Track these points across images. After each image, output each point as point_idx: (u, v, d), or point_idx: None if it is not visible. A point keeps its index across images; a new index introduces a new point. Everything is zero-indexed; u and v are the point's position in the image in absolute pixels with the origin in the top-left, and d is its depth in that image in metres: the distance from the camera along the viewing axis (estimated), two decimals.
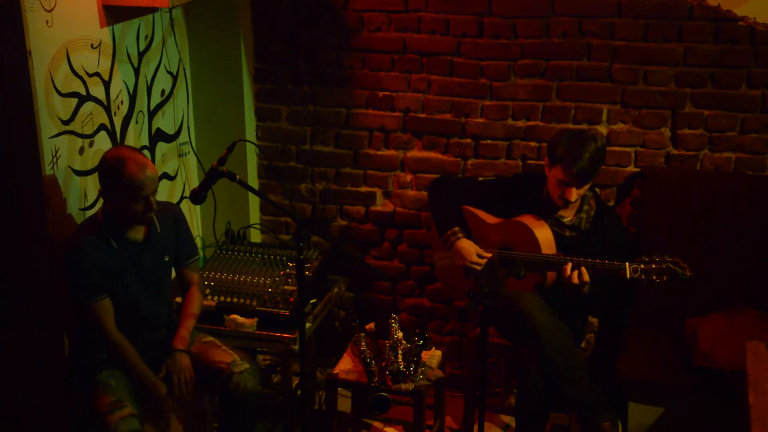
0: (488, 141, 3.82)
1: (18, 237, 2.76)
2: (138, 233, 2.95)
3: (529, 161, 3.80)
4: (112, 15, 3.15)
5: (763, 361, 2.80)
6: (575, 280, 3.10)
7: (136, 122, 3.44)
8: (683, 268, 2.99)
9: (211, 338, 3.16)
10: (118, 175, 2.78)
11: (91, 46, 3.07)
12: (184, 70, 3.83)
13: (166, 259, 3.07)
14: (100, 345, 2.94)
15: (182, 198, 3.89)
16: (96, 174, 3.14)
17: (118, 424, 2.73)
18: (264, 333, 3.37)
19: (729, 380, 3.13)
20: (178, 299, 3.41)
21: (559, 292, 3.22)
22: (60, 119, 2.92)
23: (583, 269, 3.10)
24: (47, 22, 2.80)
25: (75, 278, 2.84)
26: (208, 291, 3.50)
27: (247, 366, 3.04)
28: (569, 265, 3.12)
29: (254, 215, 4.16)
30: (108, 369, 2.90)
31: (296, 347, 3.29)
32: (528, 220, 3.31)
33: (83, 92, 3.04)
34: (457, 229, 3.41)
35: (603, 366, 3.61)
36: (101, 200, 3.17)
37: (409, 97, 3.86)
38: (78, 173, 3.05)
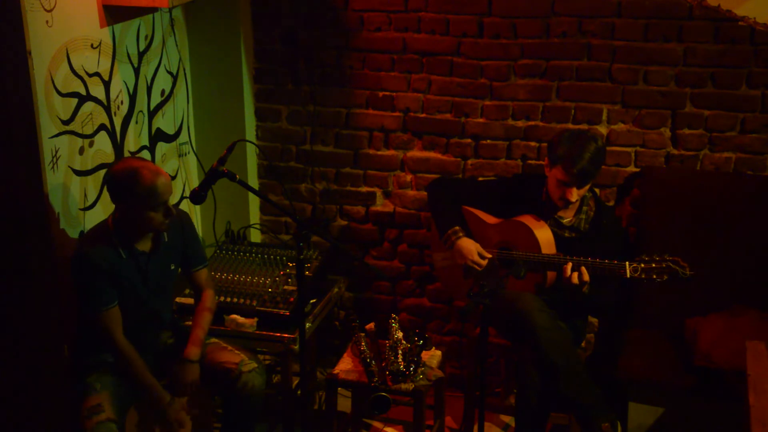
0: (488, 141, 3.82)
1: (18, 237, 2.77)
2: (146, 243, 2.95)
3: (529, 161, 3.80)
4: (112, 15, 3.15)
5: (763, 361, 2.80)
6: (575, 280, 3.10)
7: (136, 122, 3.44)
8: (683, 267, 2.99)
9: (215, 339, 3.16)
10: (133, 185, 2.76)
11: (91, 46, 3.07)
12: (184, 70, 3.83)
13: (172, 267, 3.07)
14: (96, 347, 2.94)
15: (182, 198, 3.89)
16: (96, 174, 3.15)
17: (94, 429, 2.72)
18: (264, 333, 3.37)
19: (729, 380, 3.13)
20: (179, 299, 3.42)
21: (560, 292, 3.22)
22: (60, 119, 2.92)
23: (584, 269, 3.10)
24: (47, 22, 2.80)
25: (84, 287, 2.83)
26: None
27: (256, 365, 3.05)
28: (569, 265, 3.12)
29: (254, 215, 4.16)
30: (98, 372, 2.89)
31: (296, 347, 3.29)
32: (528, 220, 3.31)
33: (83, 92, 3.04)
34: (457, 228, 3.41)
35: (603, 366, 3.61)
36: (100, 203, 3.18)
37: (409, 97, 3.86)
38: (78, 173, 3.05)
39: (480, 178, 3.84)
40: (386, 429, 3.79)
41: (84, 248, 2.84)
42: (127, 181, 2.77)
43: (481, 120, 3.80)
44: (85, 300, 2.85)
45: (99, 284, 2.83)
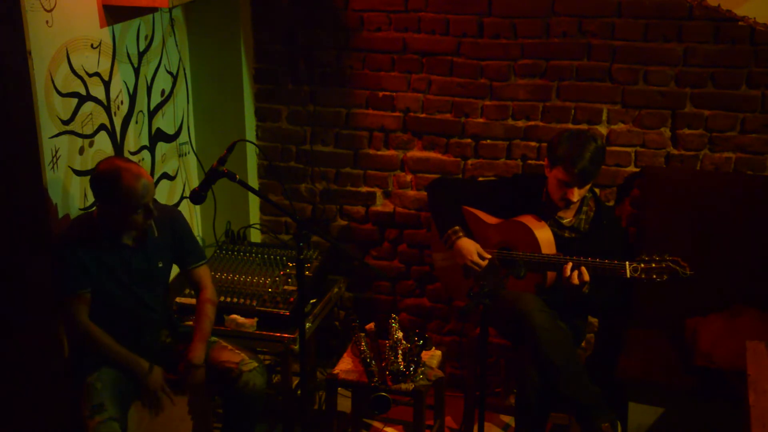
0: (488, 141, 3.82)
1: (18, 237, 2.77)
2: (130, 237, 2.94)
3: (529, 161, 3.80)
4: (112, 15, 3.15)
5: (763, 361, 2.80)
6: (575, 280, 3.10)
7: (136, 122, 3.44)
8: (683, 267, 2.99)
9: (216, 339, 3.16)
10: (114, 187, 2.75)
11: (91, 46, 3.07)
12: (184, 70, 3.83)
13: (160, 264, 3.05)
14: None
15: (182, 198, 3.89)
16: None
17: (97, 428, 2.72)
18: (264, 333, 3.37)
19: (729, 380, 3.13)
20: (178, 299, 3.42)
21: (560, 292, 3.22)
22: (60, 119, 2.92)
23: (584, 269, 3.11)
24: (47, 22, 2.80)
25: (59, 271, 2.84)
26: None
27: (256, 365, 3.05)
28: (569, 265, 3.12)
29: (254, 215, 4.16)
30: (98, 371, 2.89)
31: (296, 347, 3.29)
32: (528, 220, 3.31)
33: (83, 92, 3.04)
34: (458, 228, 3.41)
35: (603, 366, 3.61)
36: None
37: (409, 97, 3.86)
38: (78, 173, 3.05)
39: (480, 178, 3.84)
40: (386, 429, 3.79)
41: (66, 233, 2.86)
42: (108, 181, 2.77)
43: (481, 120, 3.80)
44: (56, 282, 2.84)
45: (72, 270, 2.82)
